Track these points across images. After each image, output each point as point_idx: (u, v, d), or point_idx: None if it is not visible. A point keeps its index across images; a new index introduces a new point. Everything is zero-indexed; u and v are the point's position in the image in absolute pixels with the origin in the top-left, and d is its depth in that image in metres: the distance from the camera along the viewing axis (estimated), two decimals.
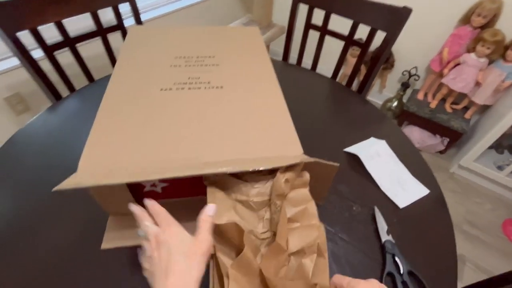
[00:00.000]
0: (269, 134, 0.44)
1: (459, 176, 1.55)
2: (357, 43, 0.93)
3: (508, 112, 1.23)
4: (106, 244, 0.45)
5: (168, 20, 1.50)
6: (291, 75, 0.91)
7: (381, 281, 0.44)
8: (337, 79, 1.02)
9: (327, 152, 0.64)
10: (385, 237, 0.48)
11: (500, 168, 1.42)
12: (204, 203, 0.41)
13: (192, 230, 0.47)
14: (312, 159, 0.40)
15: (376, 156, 0.61)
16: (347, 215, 0.52)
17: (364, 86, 0.97)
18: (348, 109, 0.79)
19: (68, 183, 0.33)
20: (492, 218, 1.36)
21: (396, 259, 0.46)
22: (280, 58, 1.07)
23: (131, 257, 0.44)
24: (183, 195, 0.51)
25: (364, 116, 0.77)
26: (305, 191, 0.41)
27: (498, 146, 1.52)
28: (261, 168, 0.37)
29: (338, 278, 0.35)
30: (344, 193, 0.55)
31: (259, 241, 0.38)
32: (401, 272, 0.44)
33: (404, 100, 1.75)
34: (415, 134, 1.63)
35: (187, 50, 0.60)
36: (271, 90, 0.52)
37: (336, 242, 0.48)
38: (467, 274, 1.14)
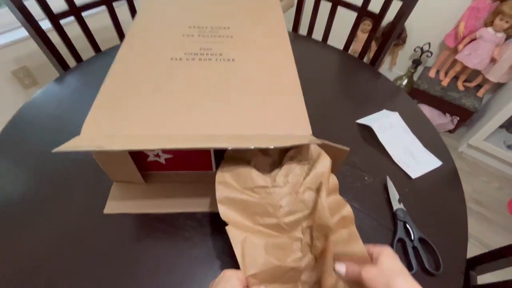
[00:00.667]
0: (278, 112, 0.42)
1: (467, 155, 1.54)
2: (370, 13, 0.90)
3: None
4: (108, 209, 0.46)
5: None
6: (302, 46, 0.89)
7: (392, 247, 0.45)
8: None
9: (339, 124, 0.63)
10: (396, 205, 0.49)
11: (510, 147, 1.40)
12: (210, 178, 0.42)
13: (195, 205, 0.47)
14: (320, 141, 0.38)
15: (389, 127, 0.60)
16: (359, 185, 0.52)
17: (376, 61, 0.94)
18: (360, 81, 0.78)
19: (67, 146, 0.33)
20: (499, 197, 1.36)
21: (408, 226, 0.46)
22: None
23: (134, 223, 0.45)
24: (188, 168, 0.51)
25: (376, 89, 0.75)
26: (339, 199, 0.39)
27: (510, 125, 1.50)
28: (263, 147, 0.35)
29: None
30: (357, 163, 0.55)
31: (299, 273, 0.35)
32: (412, 238, 0.45)
33: (415, 78, 1.71)
34: (425, 112, 1.61)
35: (201, 20, 0.58)
36: (285, 66, 0.50)
37: None
38: (471, 250, 1.15)
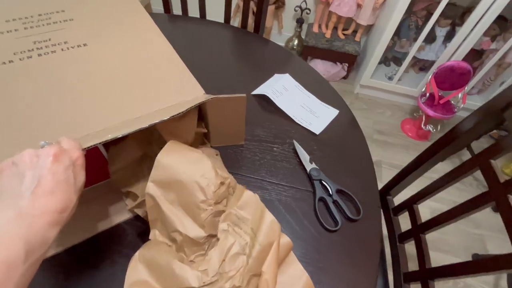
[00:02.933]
0: (162, 85, 0.37)
1: (362, 94, 1.73)
2: None
3: (385, 27, 1.37)
4: None
5: None
6: (178, 25, 0.80)
7: (314, 209, 0.44)
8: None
9: None
10: (309, 166, 0.48)
11: (390, 78, 1.62)
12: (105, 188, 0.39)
13: (113, 218, 0.39)
14: (216, 96, 0.37)
15: (283, 90, 0.59)
16: (270, 158, 0.50)
17: (259, 25, 0.92)
18: (248, 51, 0.74)
19: None
20: (393, 122, 1.58)
21: (324, 182, 0.46)
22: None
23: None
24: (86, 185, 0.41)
25: (266, 55, 0.73)
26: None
27: (385, 60, 1.72)
28: (157, 121, 0.31)
29: None
30: (262, 136, 0.52)
31: None
32: (331, 193, 0.45)
33: (303, 36, 1.80)
34: (319, 67, 1.72)
35: (21, 9, 0.44)
36: (151, 39, 0.43)
37: (265, 188, 0.46)
38: (385, 174, 1.33)
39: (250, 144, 0.51)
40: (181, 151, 0.34)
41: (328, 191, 0.45)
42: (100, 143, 0.29)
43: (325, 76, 1.73)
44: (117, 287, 0.32)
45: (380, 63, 1.72)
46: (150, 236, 0.33)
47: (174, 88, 0.37)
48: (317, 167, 0.48)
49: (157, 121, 0.31)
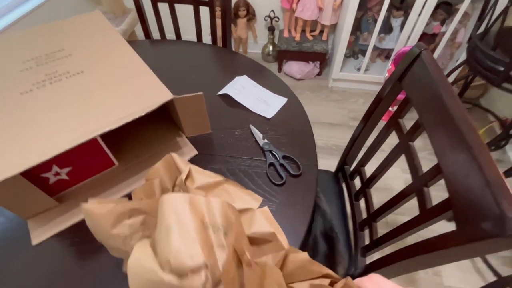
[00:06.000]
0: (138, 92, 0.52)
1: (336, 87, 1.88)
2: (202, 2, 1.02)
3: (344, 24, 1.53)
4: (36, 239, 0.48)
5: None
6: (158, 48, 0.96)
7: (266, 171, 0.58)
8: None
9: (207, 102, 0.74)
10: (262, 142, 0.62)
11: (358, 70, 1.78)
12: (115, 172, 0.52)
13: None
14: (180, 96, 0.51)
15: (242, 89, 0.74)
16: (232, 140, 0.64)
17: (226, 39, 1.08)
18: (216, 62, 0.89)
19: None
20: (366, 108, 1.72)
21: (273, 152, 0.60)
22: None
23: (67, 247, 0.47)
24: (94, 173, 0.56)
25: (229, 63, 0.88)
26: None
27: (353, 53, 1.88)
28: (136, 116, 0.45)
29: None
30: (226, 125, 0.67)
31: None
32: (278, 159, 0.59)
33: (276, 41, 1.96)
34: (294, 67, 1.88)
35: (33, 52, 0.60)
36: (128, 58, 0.59)
37: (229, 161, 0.60)
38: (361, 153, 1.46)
39: (217, 132, 0.65)
40: (142, 260, 0.27)
41: (276, 158, 0.60)
42: (97, 135, 0.44)
43: (301, 75, 1.89)
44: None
45: (349, 56, 1.87)
46: None
47: (149, 94, 0.52)
48: (268, 142, 0.62)
49: (134, 117, 0.45)
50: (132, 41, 0.99)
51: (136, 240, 0.33)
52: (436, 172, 0.47)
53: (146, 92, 0.52)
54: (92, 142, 0.49)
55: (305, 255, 0.35)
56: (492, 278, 1.03)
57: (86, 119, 0.47)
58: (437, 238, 0.41)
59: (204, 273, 0.25)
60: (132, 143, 0.62)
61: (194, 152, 0.61)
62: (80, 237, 0.49)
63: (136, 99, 0.51)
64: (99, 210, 0.32)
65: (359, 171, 0.78)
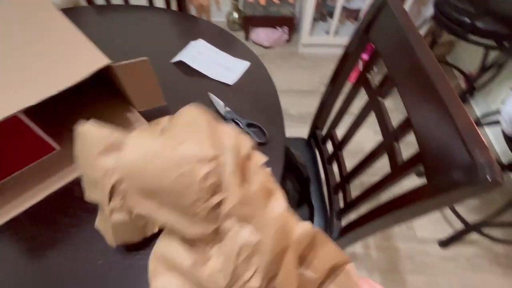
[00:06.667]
0: (71, 60, 0.44)
1: (306, 53, 1.82)
2: None
3: None
4: None
5: None
6: (105, 15, 0.84)
7: None
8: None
9: (161, 73, 0.66)
10: (223, 110, 0.57)
11: (327, 32, 1.72)
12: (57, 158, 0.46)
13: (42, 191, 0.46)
14: (117, 63, 0.43)
15: (198, 55, 0.66)
16: None
17: (181, 6, 0.97)
18: (172, 29, 0.80)
19: None
20: None
21: (236, 120, 0.55)
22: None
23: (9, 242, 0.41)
24: (27, 162, 0.49)
25: (188, 29, 0.79)
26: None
27: (322, 16, 1.81)
28: (69, 85, 0.38)
29: (366, 283, 0.29)
30: (183, 95, 0.60)
31: None
32: (242, 127, 0.55)
33: (241, 8, 1.84)
34: (262, 35, 1.79)
35: None
36: (58, 25, 0.50)
37: None
38: None
39: (173, 104, 0.59)
40: (147, 144, 0.28)
41: (240, 126, 0.55)
42: (17, 113, 0.36)
43: (270, 43, 1.80)
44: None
45: (317, 20, 1.80)
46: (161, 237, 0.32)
47: (81, 62, 0.44)
48: (230, 110, 0.57)
49: (60, 90, 0.38)
50: (73, 8, 0.86)
51: (114, 181, 0.29)
52: (405, 126, 0.44)
53: (78, 61, 0.44)
54: (16, 123, 0.41)
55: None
56: (460, 225, 1.08)
57: (2, 95, 0.39)
58: (410, 193, 0.39)
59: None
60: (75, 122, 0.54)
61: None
62: (19, 233, 0.43)
63: (66, 69, 0.43)
64: (94, 132, 0.32)
65: (330, 135, 0.75)
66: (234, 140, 0.28)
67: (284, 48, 1.85)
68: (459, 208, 1.16)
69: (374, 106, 0.54)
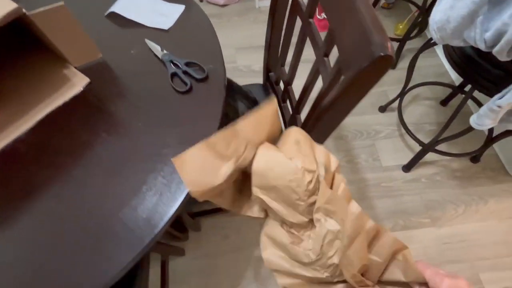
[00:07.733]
0: None
1: (264, 7, 1.77)
2: None
3: None
4: None
5: None
6: None
7: (170, 81, 0.54)
8: None
9: (93, 25, 0.64)
10: (161, 54, 0.57)
11: None
12: None
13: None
14: (31, 12, 0.42)
15: (130, 4, 0.64)
16: (128, 59, 0.58)
17: None
18: None
19: None
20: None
21: (174, 62, 0.56)
22: None
23: None
24: None
25: None
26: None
27: None
28: None
29: (423, 265, 0.30)
30: (119, 46, 0.60)
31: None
32: (181, 67, 0.55)
33: None
34: None
35: None
36: None
37: (127, 84, 0.55)
38: None
39: (110, 55, 0.58)
40: (270, 156, 0.36)
41: (179, 66, 0.55)
42: None
43: (224, 0, 1.74)
44: None
45: None
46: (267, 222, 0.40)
47: None
48: (167, 52, 0.57)
49: None
50: None
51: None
52: (330, 39, 0.46)
53: None
54: None
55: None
56: (419, 148, 1.16)
57: None
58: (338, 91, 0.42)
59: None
60: (12, 86, 0.53)
61: (85, 80, 0.54)
62: None
63: None
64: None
65: (280, 72, 0.77)
66: (325, 158, 0.36)
67: (240, 4, 1.79)
68: (419, 134, 1.24)
69: (306, 28, 0.56)
